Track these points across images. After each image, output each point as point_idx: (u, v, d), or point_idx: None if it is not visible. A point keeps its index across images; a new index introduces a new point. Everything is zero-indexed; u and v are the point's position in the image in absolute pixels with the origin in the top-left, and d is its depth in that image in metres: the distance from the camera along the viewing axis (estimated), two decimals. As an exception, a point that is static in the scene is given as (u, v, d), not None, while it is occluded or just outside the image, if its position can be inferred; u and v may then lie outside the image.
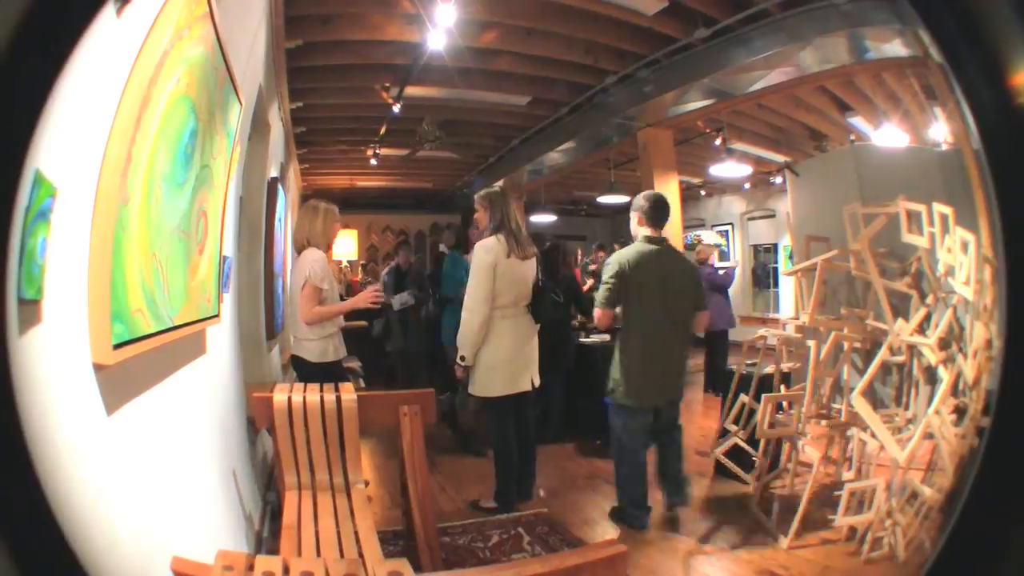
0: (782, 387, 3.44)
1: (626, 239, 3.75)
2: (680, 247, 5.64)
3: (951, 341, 2.70)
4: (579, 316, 4.90)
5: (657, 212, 3.07)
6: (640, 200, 3.09)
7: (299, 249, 3.07)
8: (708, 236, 8.03)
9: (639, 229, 3.09)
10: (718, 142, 6.26)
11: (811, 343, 3.10)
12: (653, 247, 3.02)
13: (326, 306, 2.93)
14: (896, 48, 3.82)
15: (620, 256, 3.03)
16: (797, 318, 3.47)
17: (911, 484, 2.58)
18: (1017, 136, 0.64)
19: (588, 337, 4.78)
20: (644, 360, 2.99)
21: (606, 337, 4.77)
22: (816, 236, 3.57)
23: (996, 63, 0.65)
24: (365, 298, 3.05)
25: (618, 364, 3.04)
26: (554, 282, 3.95)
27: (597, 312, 3.02)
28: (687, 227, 7.30)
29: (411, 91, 5.27)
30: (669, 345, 3.03)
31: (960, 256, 2.62)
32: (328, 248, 3.13)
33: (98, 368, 1.03)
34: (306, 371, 2.93)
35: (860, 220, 3.14)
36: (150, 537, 1.21)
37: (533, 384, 3.24)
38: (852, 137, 6.17)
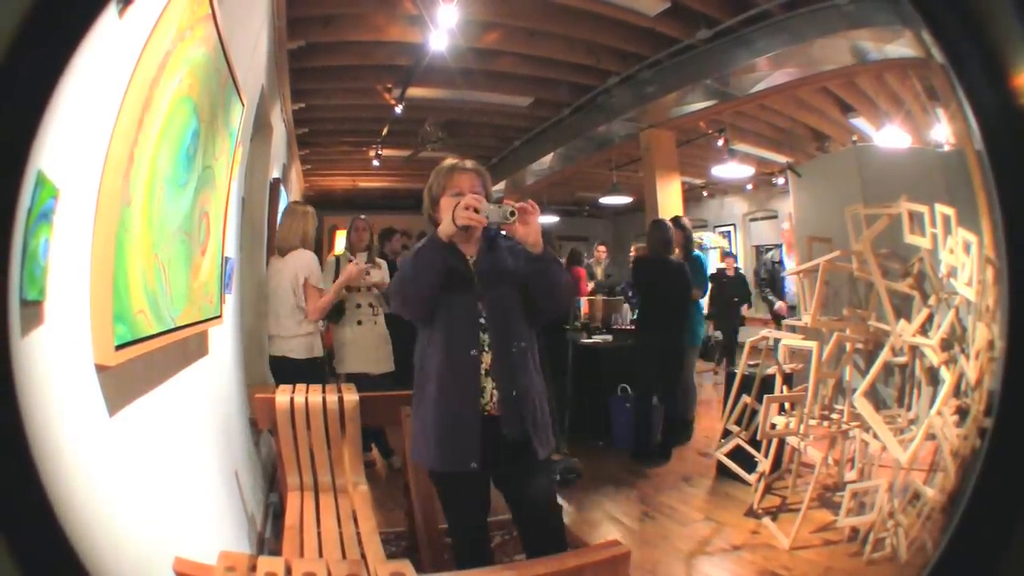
0: (784, 388, 3.43)
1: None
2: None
3: (953, 342, 2.70)
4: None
5: None
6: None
7: (288, 250, 3.12)
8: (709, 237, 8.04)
9: None
10: (720, 143, 6.24)
11: (813, 344, 3.09)
12: None
13: (324, 298, 3.14)
14: (898, 49, 3.81)
15: None
16: (799, 319, 3.46)
17: (913, 485, 2.57)
18: (1019, 137, 0.64)
19: (590, 338, 4.78)
20: None
21: (609, 338, 4.78)
22: (818, 237, 3.57)
23: (998, 64, 0.64)
24: (353, 274, 3.19)
25: None
26: None
27: None
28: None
29: (413, 92, 5.27)
30: None
31: (962, 257, 2.61)
32: (311, 248, 3.22)
33: (100, 369, 1.03)
34: (292, 370, 2.99)
35: (862, 221, 3.14)
36: (152, 538, 1.21)
37: None
38: (854, 138, 6.15)
